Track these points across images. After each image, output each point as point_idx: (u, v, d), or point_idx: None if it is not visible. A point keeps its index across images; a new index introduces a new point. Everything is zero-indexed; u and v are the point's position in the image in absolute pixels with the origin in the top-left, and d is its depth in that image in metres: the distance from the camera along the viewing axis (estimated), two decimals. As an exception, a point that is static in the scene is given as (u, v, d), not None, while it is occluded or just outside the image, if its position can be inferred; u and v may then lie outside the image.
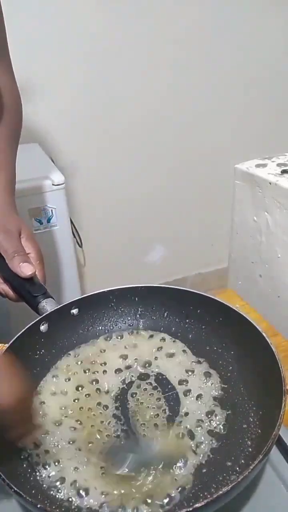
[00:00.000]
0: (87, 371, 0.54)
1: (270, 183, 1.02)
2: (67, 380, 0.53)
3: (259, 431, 0.45)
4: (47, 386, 0.52)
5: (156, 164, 1.73)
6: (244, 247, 1.17)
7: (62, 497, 0.41)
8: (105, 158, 1.65)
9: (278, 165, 1.09)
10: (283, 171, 1.04)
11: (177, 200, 1.84)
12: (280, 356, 0.46)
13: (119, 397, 0.51)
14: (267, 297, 1.11)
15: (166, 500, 0.40)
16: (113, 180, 1.69)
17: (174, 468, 0.43)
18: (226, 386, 0.51)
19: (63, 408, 0.50)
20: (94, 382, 0.53)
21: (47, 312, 0.55)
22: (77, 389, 0.52)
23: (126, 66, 1.53)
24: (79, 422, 0.48)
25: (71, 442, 0.46)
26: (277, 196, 1.01)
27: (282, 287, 1.05)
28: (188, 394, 0.51)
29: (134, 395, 0.51)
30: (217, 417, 0.48)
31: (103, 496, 0.41)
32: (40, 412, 0.49)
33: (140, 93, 1.58)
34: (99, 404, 0.50)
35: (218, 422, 0.47)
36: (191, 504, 0.34)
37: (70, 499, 0.41)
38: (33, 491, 0.41)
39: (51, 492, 0.42)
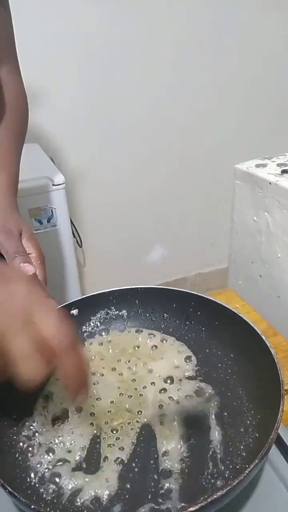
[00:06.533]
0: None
1: (270, 183, 1.02)
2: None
3: (257, 434, 0.44)
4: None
5: (156, 164, 1.73)
6: (244, 247, 1.17)
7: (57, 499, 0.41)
8: (105, 158, 1.65)
9: (278, 165, 1.09)
10: (283, 171, 1.04)
11: (177, 200, 1.84)
12: (280, 356, 0.46)
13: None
14: (267, 297, 1.11)
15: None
16: (113, 180, 1.69)
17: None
18: (224, 389, 0.51)
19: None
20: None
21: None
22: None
23: (126, 66, 1.52)
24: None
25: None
26: (277, 196, 1.00)
27: (282, 287, 1.05)
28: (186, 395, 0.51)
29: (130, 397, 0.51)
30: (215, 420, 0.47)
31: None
32: None
33: (140, 93, 1.58)
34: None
35: (215, 424, 0.47)
36: (185, 507, 0.34)
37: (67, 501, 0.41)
38: (28, 492, 0.41)
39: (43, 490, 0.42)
